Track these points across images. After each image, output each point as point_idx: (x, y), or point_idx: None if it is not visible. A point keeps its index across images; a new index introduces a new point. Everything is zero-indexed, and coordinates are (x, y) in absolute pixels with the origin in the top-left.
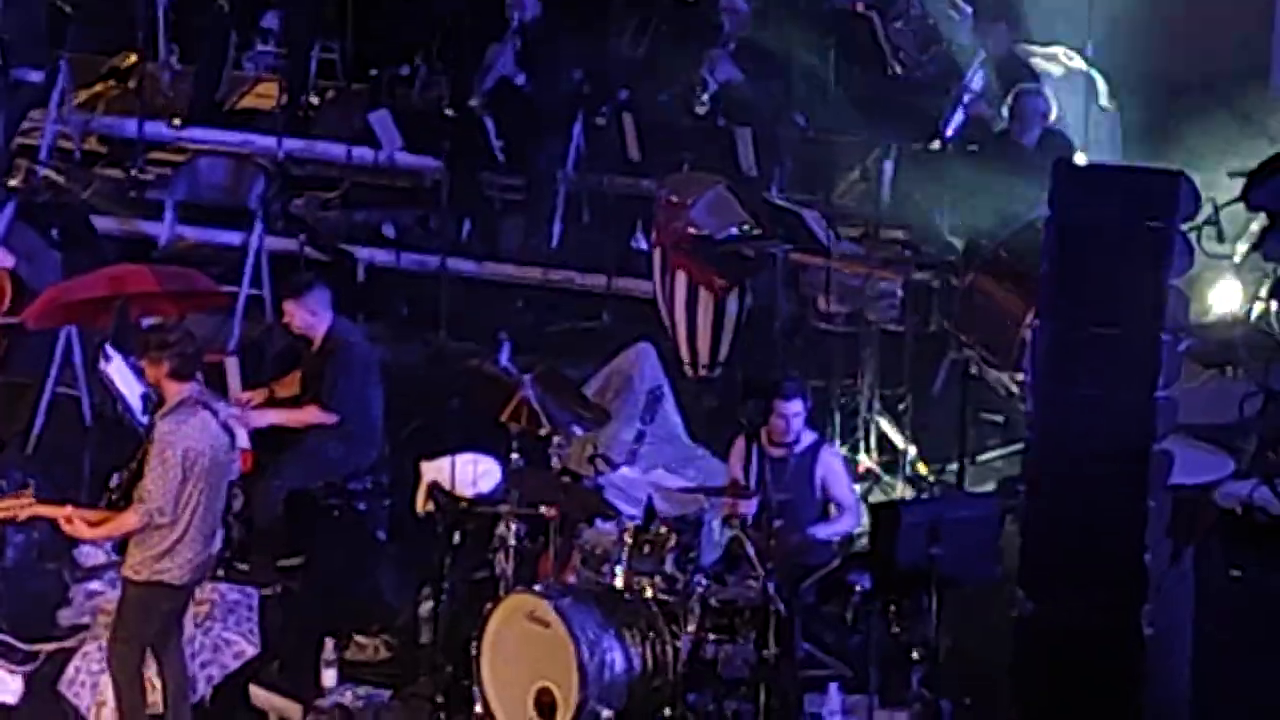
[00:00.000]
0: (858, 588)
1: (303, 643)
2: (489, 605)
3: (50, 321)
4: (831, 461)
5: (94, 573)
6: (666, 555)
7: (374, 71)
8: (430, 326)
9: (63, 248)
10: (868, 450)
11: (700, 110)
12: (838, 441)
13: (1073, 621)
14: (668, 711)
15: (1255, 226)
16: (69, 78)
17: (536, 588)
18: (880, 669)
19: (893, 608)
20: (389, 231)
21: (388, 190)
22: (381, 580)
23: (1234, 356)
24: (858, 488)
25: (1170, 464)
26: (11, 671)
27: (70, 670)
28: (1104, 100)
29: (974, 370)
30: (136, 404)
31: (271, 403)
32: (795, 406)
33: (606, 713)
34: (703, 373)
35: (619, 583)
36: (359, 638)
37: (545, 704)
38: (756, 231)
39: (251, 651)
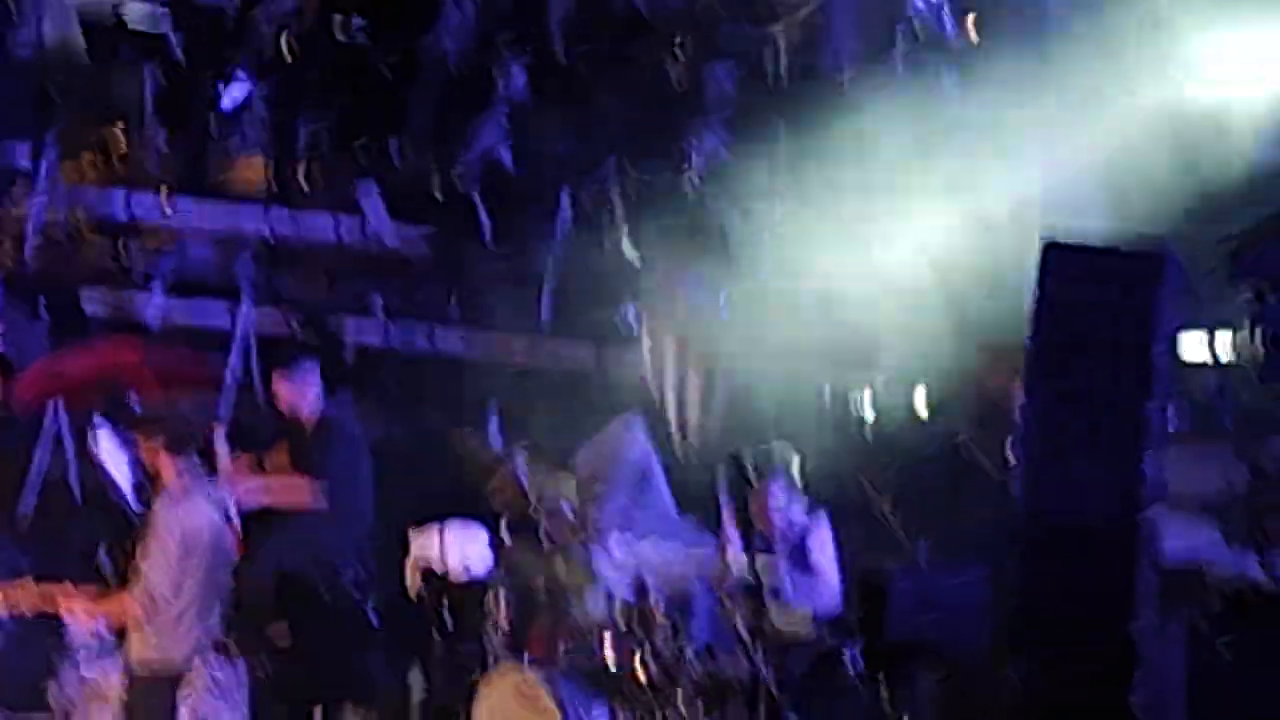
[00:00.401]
0: (847, 659)
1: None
2: (478, 679)
3: (39, 395)
4: (821, 532)
5: (84, 649)
6: (656, 629)
7: (360, 145)
8: (418, 402)
9: (50, 324)
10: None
11: (686, 183)
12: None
13: (1062, 692)
14: None
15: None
16: (56, 153)
17: (526, 662)
18: None
19: (882, 679)
20: (376, 306)
21: (375, 264)
22: (370, 657)
23: (1221, 427)
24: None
25: (1158, 535)
26: None
27: None
28: None
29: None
30: (125, 481)
31: (261, 481)
32: (783, 481)
33: None
34: (692, 444)
35: (609, 657)
36: (348, 715)
37: None
38: None
39: None
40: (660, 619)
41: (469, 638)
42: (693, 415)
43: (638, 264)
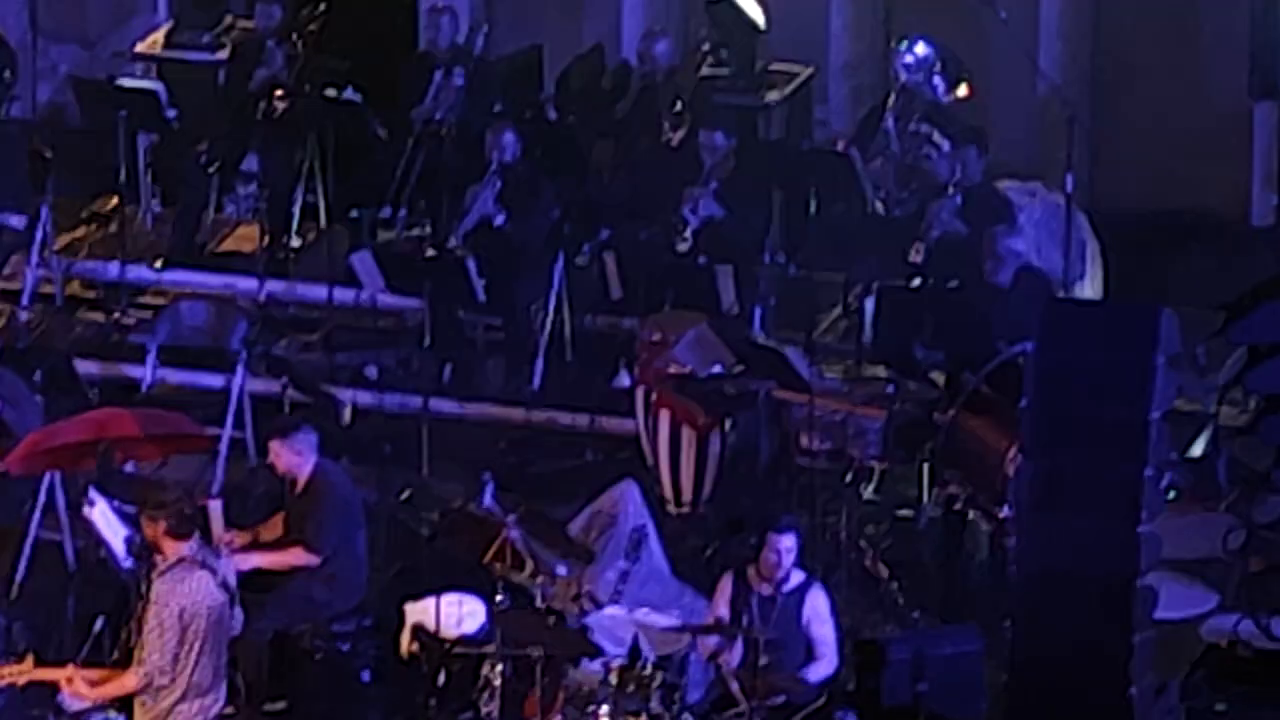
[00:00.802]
0: None
1: None
2: None
3: (33, 467)
4: (818, 602)
5: (78, 718)
6: (652, 695)
7: (355, 213)
8: (413, 468)
9: (45, 392)
10: (850, 582)
11: (681, 248)
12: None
13: None
14: None
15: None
16: (50, 222)
17: None
18: None
19: None
20: (371, 373)
21: (370, 331)
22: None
23: (1216, 489)
24: None
25: (1155, 598)
26: None
27: None
28: (1085, 234)
29: (957, 506)
30: (120, 549)
31: (256, 545)
32: (789, 541)
33: None
34: (686, 511)
35: None
36: None
37: None
38: (739, 369)
39: None
40: (655, 683)
41: (464, 704)
42: (687, 479)
43: (632, 329)
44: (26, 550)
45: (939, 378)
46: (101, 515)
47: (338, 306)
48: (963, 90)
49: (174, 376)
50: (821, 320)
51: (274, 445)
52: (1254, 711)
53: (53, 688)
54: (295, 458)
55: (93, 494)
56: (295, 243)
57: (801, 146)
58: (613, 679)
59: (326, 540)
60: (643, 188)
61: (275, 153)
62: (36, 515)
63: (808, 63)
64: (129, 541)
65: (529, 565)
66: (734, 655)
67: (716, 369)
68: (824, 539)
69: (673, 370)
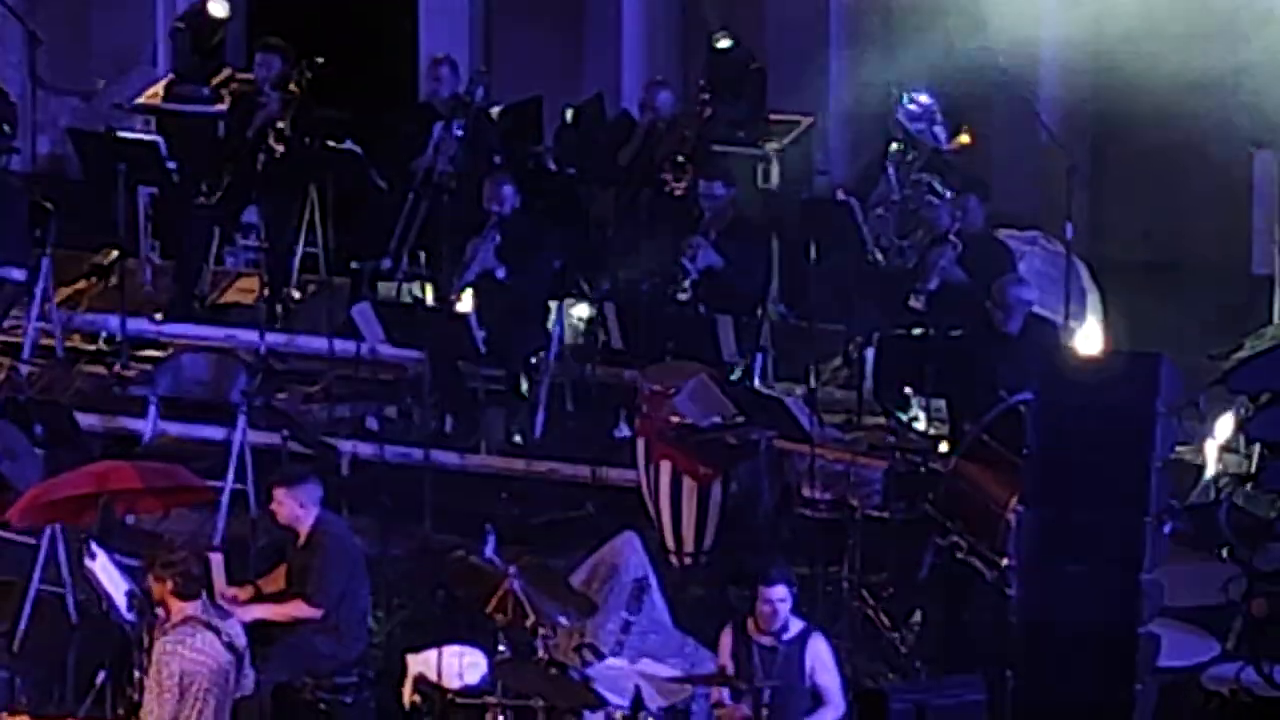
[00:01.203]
0: None
1: None
2: None
3: (34, 520)
4: (820, 650)
5: None
6: None
7: (355, 265)
8: (415, 519)
9: (46, 445)
10: (852, 632)
11: (682, 298)
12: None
13: None
14: None
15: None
16: (50, 275)
17: None
18: None
19: None
20: (372, 424)
21: (370, 383)
22: None
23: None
24: None
25: (1157, 647)
26: None
27: None
28: (1085, 283)
29: (959, 556)
30: (121, 602)
31: (258, 598)
32: (780, 592)
33: None
34: (688, 561)
35: None
36: None
37: None
38: (739, 419)
39: None
40: None
41: None
42: (688, 530)
43: (633, 379)
44: (28, 603)
45: (941, 428)
46: (103, 568)
47: (338, 358)
48: (964, 138)
49: (175, 429)
50: (822, 370)
51: (279, 493)
52: None
53: None
54: (298, 509)
55: (94, 547)
56: (295, 294)
57: (801, 196)
58: None
59: (329, 593)
60: (642, 237)
61: (275, 204)
62: (38, 568)
63: (807, 112)
64: (130, 595)
65: (531, 616)
66: (739, 707)
67: (717, 419)
68: (826, 589)
69: (674, 420)
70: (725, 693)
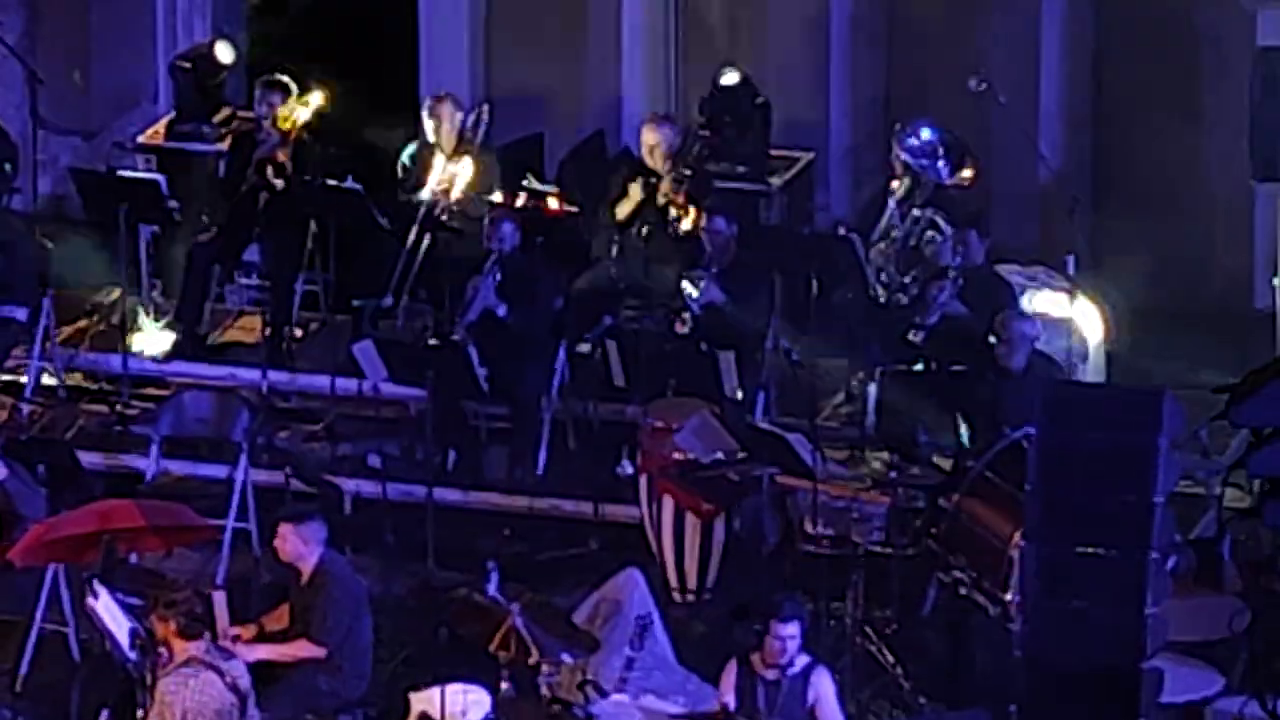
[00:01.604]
0: None
1: None
2: None
3: (37, 559)
4: (824, 685)
5: None
6: None
7: (357, 303)
8: (417, 557)
9: (49, 485)
10: (855, 668)
11: (681, 330)
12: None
13: None
14: None
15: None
16: (52, 314)
17: None
18: None
19: None
20: (374, 462)
21: (372, 421)
22: None
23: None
24: None
25: (1161, 681)
26: None
27: None
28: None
29: (962, 591)
30: (124, 640)
31: (261, 637)
32: (791, 629)
33: None
34: (691, 598)
35: None
36: None
37: None
38: (742, 456)
39: None
40: None
41: None
42: (691, 566)
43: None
44: (31, 642)
45: (943, 463)
46: (105, 607)
47: (340, 396)
48: (967, 173)
49: (177, 467)
50: (824, 406)
51: (285, 529)
52: None
53: None
54: (302, 546)
55: (96, 586)
56: (297, 333)
57: (803, 231)
58: None
59: (332, 632)
60: (644, 273)
61: (276, 242)
62: (41, 607)
63: (808, 147)
64: (133, 634)
65: (534, 653)
66: None
67: (719, 456)
68: (829, 625)
69: (676, 457)
70: None
